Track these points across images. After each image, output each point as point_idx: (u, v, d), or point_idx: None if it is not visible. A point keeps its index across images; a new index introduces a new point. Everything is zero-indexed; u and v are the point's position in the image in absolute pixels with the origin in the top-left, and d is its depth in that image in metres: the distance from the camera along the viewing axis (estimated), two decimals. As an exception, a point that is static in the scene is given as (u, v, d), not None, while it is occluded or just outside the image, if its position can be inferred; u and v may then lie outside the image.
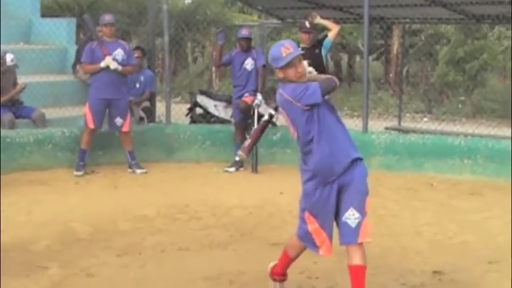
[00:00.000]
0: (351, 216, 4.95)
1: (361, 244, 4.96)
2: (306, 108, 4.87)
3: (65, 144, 10.57)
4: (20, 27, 13.89)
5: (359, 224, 4.95)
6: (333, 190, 4.99)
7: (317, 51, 10.41)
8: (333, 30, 10.59)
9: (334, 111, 5.06)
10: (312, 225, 5.08)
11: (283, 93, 4.99)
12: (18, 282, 5.74)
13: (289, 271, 5.69)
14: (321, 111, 4.92)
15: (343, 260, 5.20)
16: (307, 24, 10.50)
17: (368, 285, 5.05)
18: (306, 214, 5.10)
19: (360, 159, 5.05)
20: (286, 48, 4.95)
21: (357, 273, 4.96)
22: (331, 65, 27.68)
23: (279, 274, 5.53)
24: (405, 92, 21.22)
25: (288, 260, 5.47)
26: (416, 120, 19.32)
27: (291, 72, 4.95)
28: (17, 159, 10.09)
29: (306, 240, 5.17)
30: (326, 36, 10.71)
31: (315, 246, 5.13)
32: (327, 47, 10.56)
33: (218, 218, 8.04)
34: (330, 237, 5.09)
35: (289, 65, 4.93)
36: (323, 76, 5.26)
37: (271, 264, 5.60)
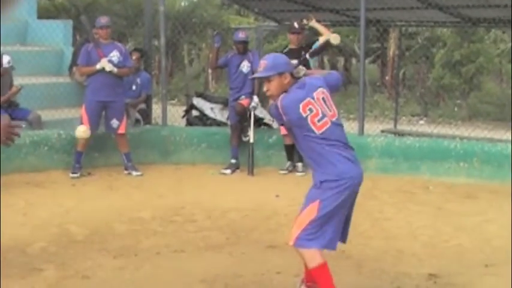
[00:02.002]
0: None
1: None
2: None
3: (61, 146, 10.55)
4: (16, 29, 13.84)
5: None
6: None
7: (304, 53, 10.39)
8: (324, 35, 10.56)
9: None
10: None
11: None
12: (14, 284, 5.73)
13: (285, 274, 5.69)
14: None
15: (339, 264, 5.22)
16: (295, 25, 10.52)
17: (363, 287, 5.04)
18: None
19: None
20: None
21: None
22: (327, 67, 27.70)
23: (311, 280, 5.52)
24: (401, 95, 21.29)
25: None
26: (413, 123, 19.34)
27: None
28: (13, 160, 10.07)
29: None
30: (317, 40, 10.67)
31: None
32: None
33: (214, 220, 8.03)
34: None
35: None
36: (324, 71, 5.33)
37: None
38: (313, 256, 4.98)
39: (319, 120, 4.97)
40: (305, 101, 4.97)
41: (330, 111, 5.04)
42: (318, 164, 5.00)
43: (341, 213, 5.02)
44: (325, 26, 10.96)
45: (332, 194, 4.93)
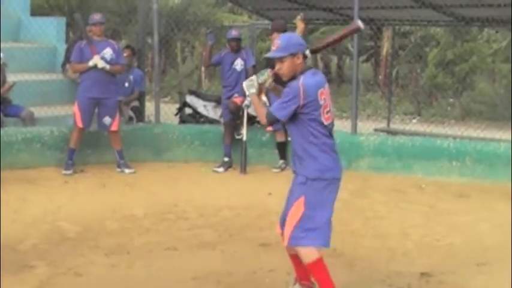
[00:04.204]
0: None
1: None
2: None
3: (53, 143, 10.53)
4: (9, 26, 13.76)
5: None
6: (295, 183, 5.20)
7: None
8: (297, 31, 10.45)
9: None
10: None
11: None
12: (5, 281, 5.71)
13: (277, 272, 5.70)
14: None
15: (330, 262, 5.22)
16: (270, 27, 10.51)
17: (355, 286, 5.05)
18: None
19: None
20: None
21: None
22: (320, 66, 27.71)
23: (305, 278, 5.49)
24: (394, 93, 21.26)
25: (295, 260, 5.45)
26: (406, 122, 19.33)
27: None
28: (5, 157, 10.04)
29: None
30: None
31: None
32: None
33: (206, 218, 8.03)
34: (280, 220, 5.29)
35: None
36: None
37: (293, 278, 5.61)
38: (309, 252, 5.01)
39: (327, 112, 5.06)
40: (322, 89, 5.05)
41: (331, 110, 5.13)
42: (310, 159, 5.02)
43: (330, 210, 5.07)
44: (317, 24, 10.96)
45: (318, 189, 5.02)
